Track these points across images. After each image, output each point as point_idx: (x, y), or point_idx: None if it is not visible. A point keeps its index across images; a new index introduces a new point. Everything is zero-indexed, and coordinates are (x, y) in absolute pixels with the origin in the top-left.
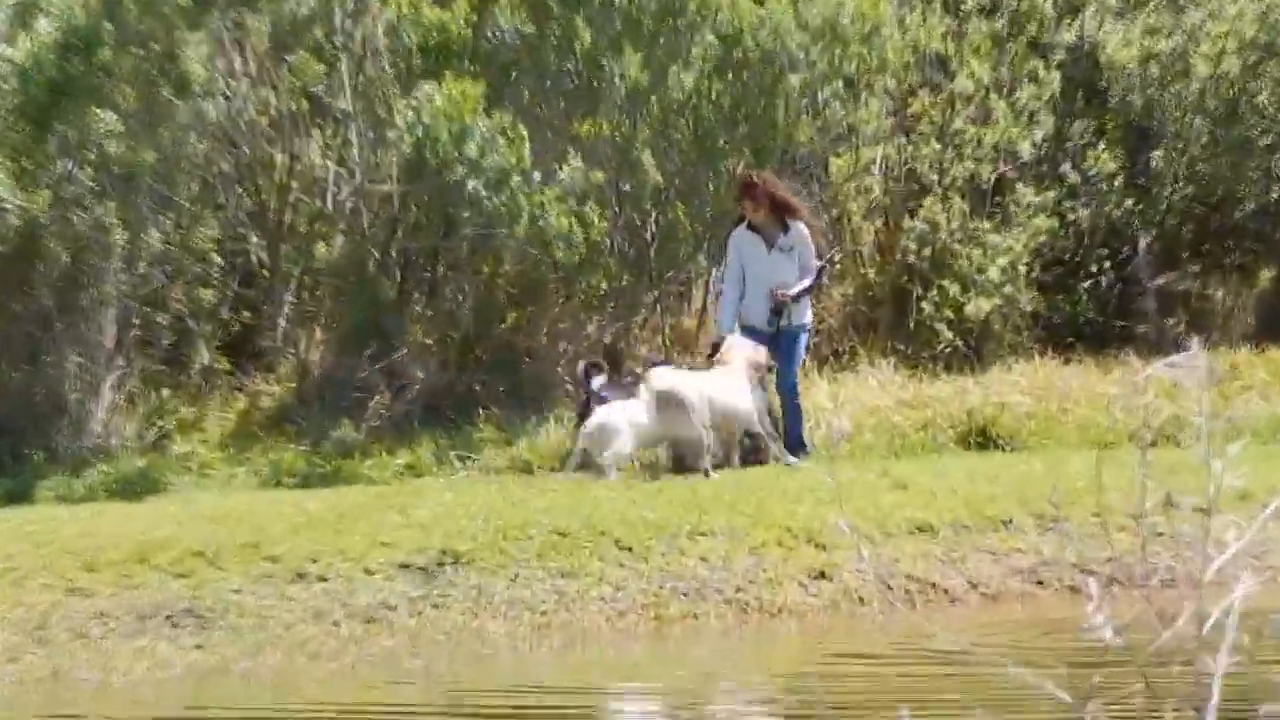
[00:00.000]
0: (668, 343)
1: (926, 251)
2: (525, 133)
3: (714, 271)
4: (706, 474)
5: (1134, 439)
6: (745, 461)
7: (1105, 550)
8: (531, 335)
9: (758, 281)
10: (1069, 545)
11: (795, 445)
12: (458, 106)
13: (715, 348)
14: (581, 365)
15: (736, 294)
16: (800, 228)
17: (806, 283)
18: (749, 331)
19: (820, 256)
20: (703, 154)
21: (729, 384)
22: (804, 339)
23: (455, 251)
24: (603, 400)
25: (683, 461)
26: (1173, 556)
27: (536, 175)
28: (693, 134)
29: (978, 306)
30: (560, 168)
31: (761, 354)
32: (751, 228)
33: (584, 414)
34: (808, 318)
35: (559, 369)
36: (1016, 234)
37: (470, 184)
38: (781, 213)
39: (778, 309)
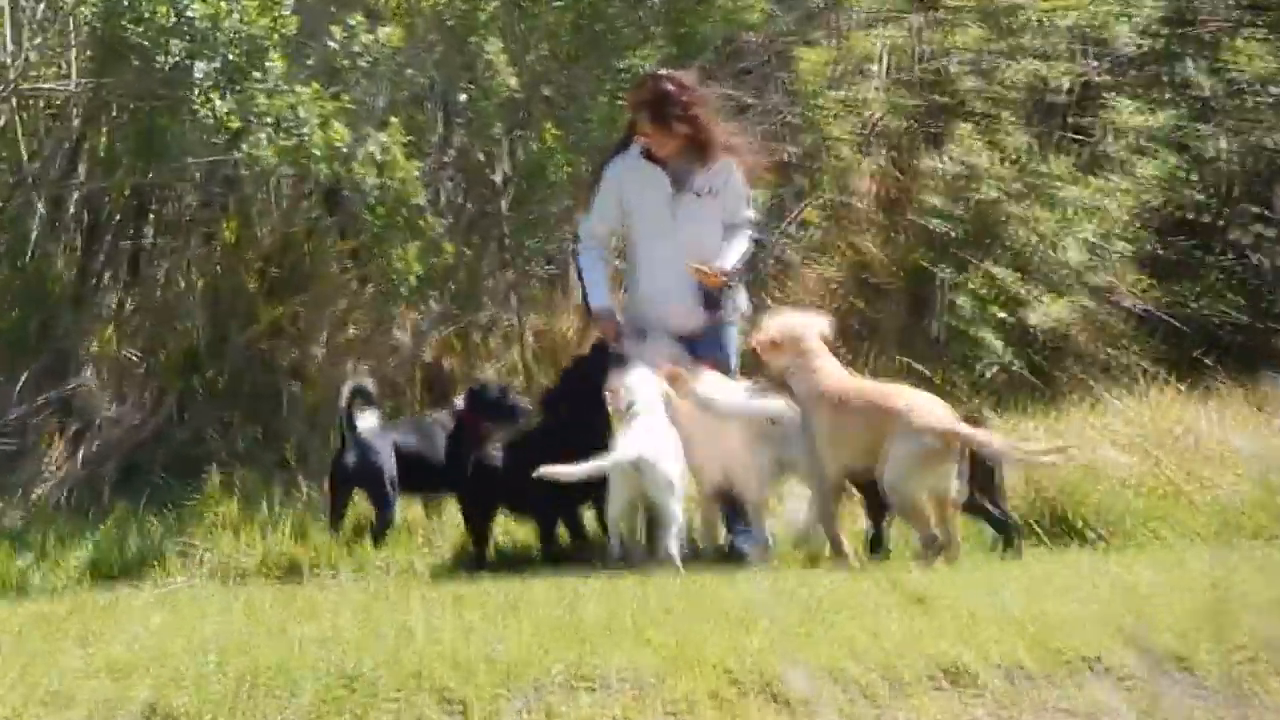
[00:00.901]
0: (529, 359)
1: (961, 210)
2: None
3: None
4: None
5: None
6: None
7: (1258, 712)
8: (303, 345)
9: (658, 244)
10: (1197, 705)
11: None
12: None
13: (601, 350)
14: (347, 388)
15: (600, 256)
16: (731, 156)
17: (741, 246)
18: (639, 335)
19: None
20: (590, 45)
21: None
22: (735, 340)
23: (175, 201)
24: (366, 452)
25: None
26: None
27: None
28: (574, 12)
29: (1046, 307)
30: (343, 61)
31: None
32: (649, 155)
33: (336, 472)
34: (742, 305)
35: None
36: (1111, 182)
37: (199, 68)
38: (701, 144)
39: (712, 295)
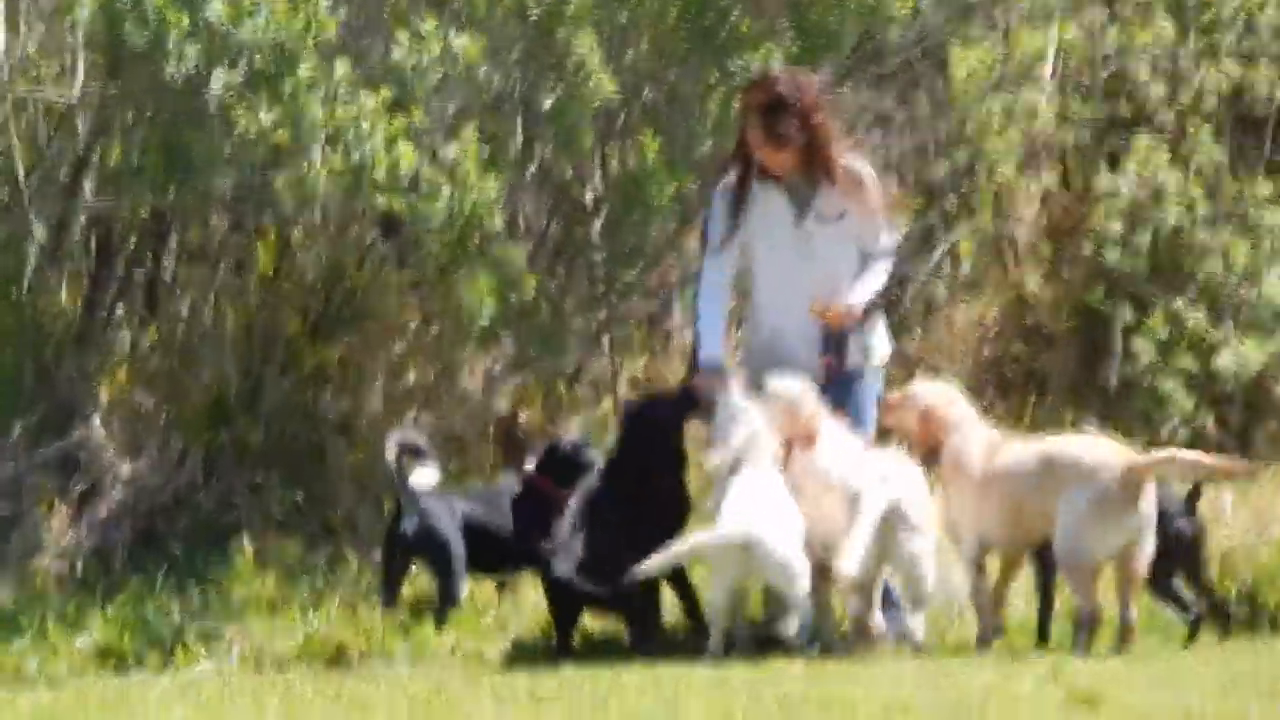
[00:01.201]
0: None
1: (1142, 239)
2: None
3: None
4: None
5: None
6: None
7: None
8: (353, 394)
9: (781, 279)
10: None
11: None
12: None
13: (687, 397)
14: (393, 442)
15: (721, 300)
16: (860, 172)
17: (877, 280)
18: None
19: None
20: (700, 40)
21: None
22: (874, 392)
23: (202, 223)
24: (427, 517)
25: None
26: None
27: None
28: (681, 1)
29: (1242, 354)
30: (402, 59)
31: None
32: (765, 174)
33: (392, 540)
34: (883, 350)
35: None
36: None
37: (216, 80)
38: (822, 159)
39: (836, 336)
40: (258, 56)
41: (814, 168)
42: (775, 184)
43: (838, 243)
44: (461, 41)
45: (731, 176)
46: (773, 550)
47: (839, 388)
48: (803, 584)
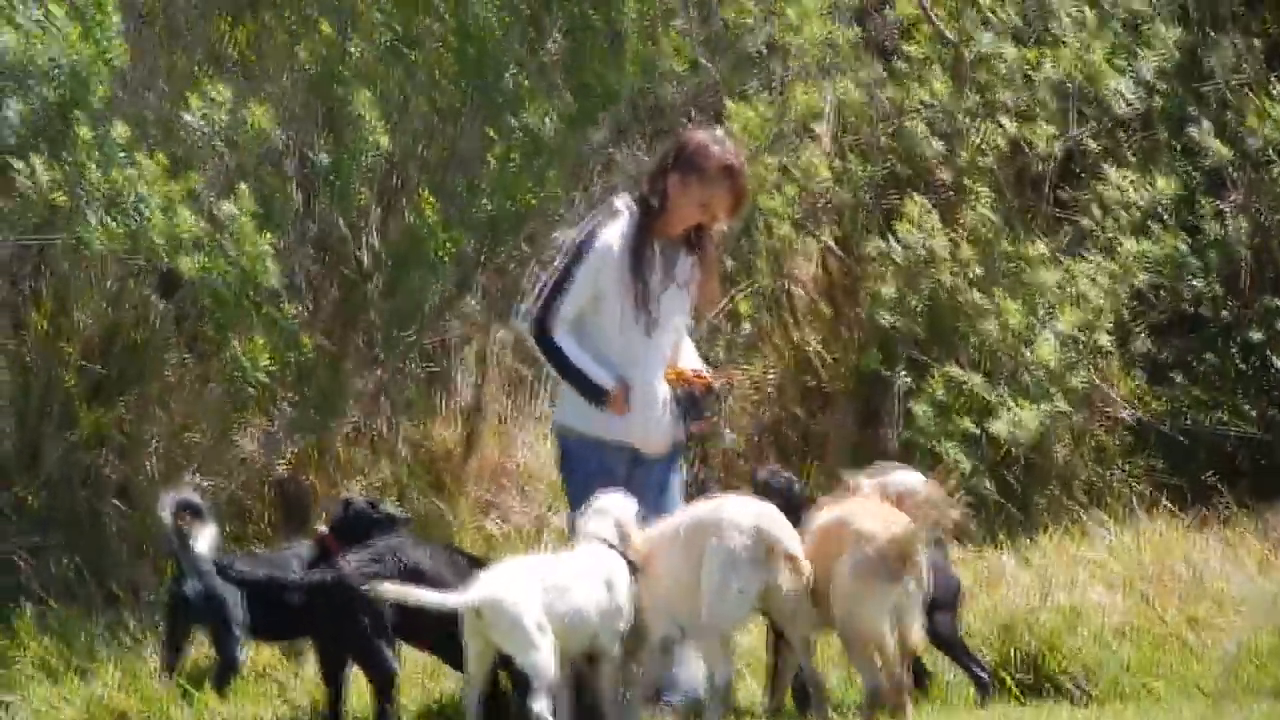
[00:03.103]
0: (407, 471)
1: (917, 303)
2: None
3: (496, 332)
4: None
5: None
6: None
7: None
8: (132, 457)
9: (639, 345)
10: None
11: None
12: None
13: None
14: (169, 503)
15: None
16: (710, 243)
17: (693, 347)
18: (597, 453)
19: None
20: (476, 100)
21: None
22: (680, 468)
23: None
24: (209, 580)
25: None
26: None
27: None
28: (458, 57)
29: (1016, 418)
30: (190, 112)
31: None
32: (652, 234)
33: (174, 604)
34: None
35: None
36: (1096, 266)
37: (10, 108)
38: (710, 230)
39: (697, 402)
40: (51, 88)
41: (698, 236)
42: (652, 248)
43: (680, 310)
44: (253, 109)
45: (629, 228)
46: (505, 617)
47: (661, 470)
48: (537, 656)
